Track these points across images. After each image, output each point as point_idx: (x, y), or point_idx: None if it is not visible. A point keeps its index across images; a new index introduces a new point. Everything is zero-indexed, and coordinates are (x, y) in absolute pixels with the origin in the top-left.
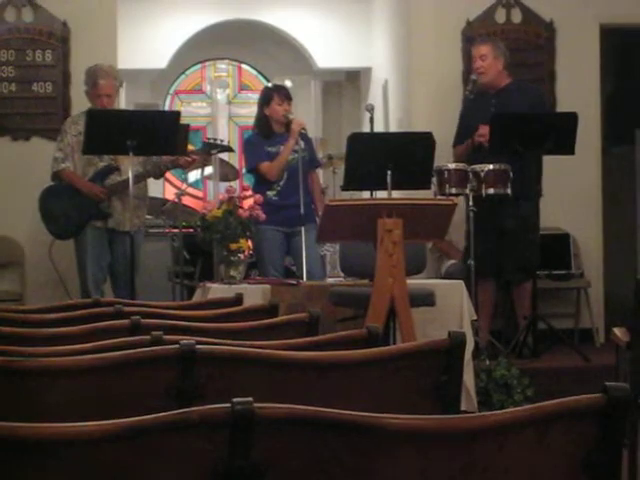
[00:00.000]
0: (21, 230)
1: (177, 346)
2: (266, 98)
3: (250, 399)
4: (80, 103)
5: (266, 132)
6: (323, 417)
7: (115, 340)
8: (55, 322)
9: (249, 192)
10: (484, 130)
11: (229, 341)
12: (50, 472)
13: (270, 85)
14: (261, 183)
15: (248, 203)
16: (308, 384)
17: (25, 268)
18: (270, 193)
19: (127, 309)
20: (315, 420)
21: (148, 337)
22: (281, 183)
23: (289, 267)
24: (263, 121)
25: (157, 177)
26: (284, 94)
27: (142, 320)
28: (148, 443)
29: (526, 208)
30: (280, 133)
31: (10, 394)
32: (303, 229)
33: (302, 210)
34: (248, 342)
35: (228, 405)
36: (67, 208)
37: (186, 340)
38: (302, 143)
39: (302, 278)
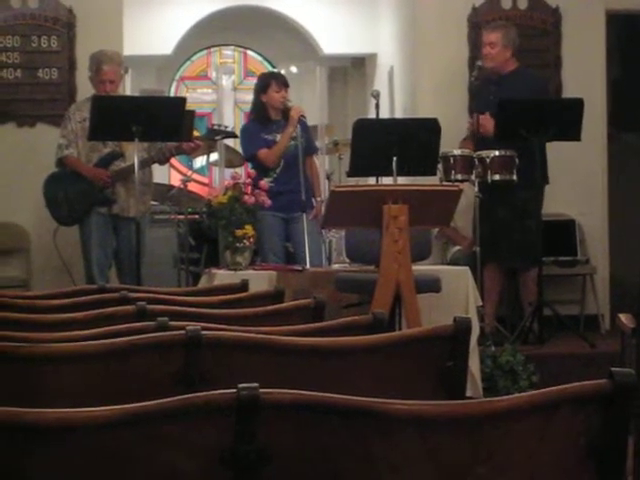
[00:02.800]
0: (26, 216)
1: (183, 332)
2: (263, 85)
3: (256, 385)
4: (85, 89)
5: (263, 119)
6: (328, 403)
7: (121, 326)
8: (61, 308)
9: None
10: (484, 121)
11: (235, 327)
12: (56, 457)
13: (267, 72)
14: (258, 170)
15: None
16: (313, 370)
17: (31, 254)
18: (267, 180)
19: (133, 295)
20: (320, 406)
21: (154, 323)
22: (277, 170)
23: (292, 253)
24: (260, 108)
25: (161, 163)
26: (281, 81)
27: (148, 306)
28: (154, 429)
29: (528, 195)
30: (277, 120)
31: (16, 380)
32: (304, 215)
33: (303, 196)
34: (254, 328)
35: (234, 391)
36: (71, 194)
37: (192, 326)
38: (299, 130)
39: (304, 264)
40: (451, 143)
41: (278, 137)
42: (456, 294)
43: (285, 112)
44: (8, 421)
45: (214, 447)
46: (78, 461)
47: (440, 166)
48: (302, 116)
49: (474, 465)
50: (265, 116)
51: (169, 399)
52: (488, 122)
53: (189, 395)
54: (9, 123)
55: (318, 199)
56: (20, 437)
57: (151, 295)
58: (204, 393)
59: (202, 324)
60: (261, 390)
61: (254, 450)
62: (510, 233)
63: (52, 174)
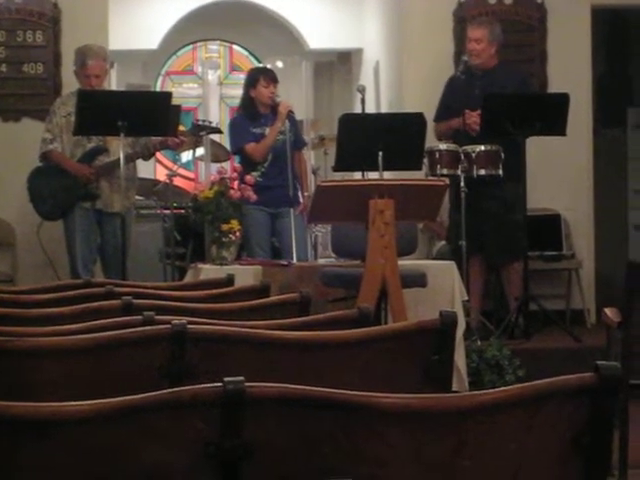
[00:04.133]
0: (12, 211)
1: (169, 326)
2: (252, 80)
3: (241, 378)
4: (71, 84)
5: (251, 114)
6: (314, 396)
7: (107, 320)
8: (46, 302)
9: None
10: (475, 117)
11: (220, 321)
12: (43, 451)
13: (256, 67)
14: (246, 164)
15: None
16: (299, 364)
17: (16, 249)
18: (255, 174)
19: (118, 290)
20: (306, 399)
21: (140, 317)
22: (265, 164)
23: (276, 247)
24: (248, 102)
25: (146, 158)
26: (270, 76)
27: (134, 301)
28: (140, 422)
29: (511, 190)
30: (265, 114)
31: (2, 374)
32: (292, 210)
33: (290, 191)
34: (239, 322)
35: (219, 384)
36: (55, 189)
37: (177, 320)
38: (288, 124)
39: (290, 258)
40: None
41: (267, 131)
42: (442, 288)
43: (274, 107)
44: None
45: (200, 441)
46: (64, 455)
47: (426, 161)
48: (290, 111)
49: (460, 458)
50: (254, 110)
51: (155, 393)
52: (477, 118)
53: (175, 389)
54: None
55: (305, 194)
56: (7, 430)
57: (137, 290)
58: (190, 387)
59: (188, 318)
60: (246, 384)
61: (240, 444)
62: (496, 227)
63: (36, 169)
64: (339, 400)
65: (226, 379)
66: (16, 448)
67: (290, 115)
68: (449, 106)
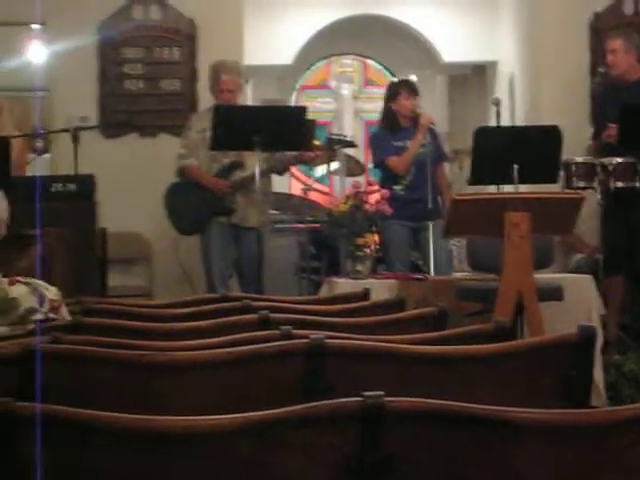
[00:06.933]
0: (149, 226)
1: (307, 340)
2: (393, 93)
3: (381, 393)
4: (207, 99)
5: (393, 127)
6: (454, 411)
7: (245, 334)
8: (184, 317)
9: (375, 187)
10: (612, 130)
11: (357, 336)
12: (181, 464)
13: (397, 80)
14: (388, 177)
15: (374, 198)
16: (436, 378)
17: (153, 264)
18: (397, 187)
19: (255, 304)
20: (445, 414)
21: (277, 331)
22: (408, 177)
23: (415, 262)
24: (390, 116)
25: (281, 173)
26: (411, 89)
27: (270, 315)
28: (279, 437)
29: None
30: (406, 127)
31: (141, 388)
32: (431, 224)
33: (430, 205)
34: (376, 337)
35: (359, 399)
36: (192, 204)
37: (315, 335)
38: (429, 137)
39: (429, 273)
40: (573, 150)
41: (408, 144)
42: (579, 302)
43: (415, 120)
44: (137, 428)
45: (339, 455)
46: (204, 468)
47: (562, 173)
48: (431, 123)
49: (602, 474)
50: (395, 123)
51: (295, 407)
52: (613, 131)
53: (314, 403)
54: (132, 133)
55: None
56: (148, 444)
57: (273, 304)
58: (329, 401)
59: (324, 332)
60: (386, 398)
61: (380, 458)
62: (636, 241)
63: (173, 184)
64: (477, 415)
65: (366, 393)
66: (156, 461)
67: (431, 127)
68: (599, 121)
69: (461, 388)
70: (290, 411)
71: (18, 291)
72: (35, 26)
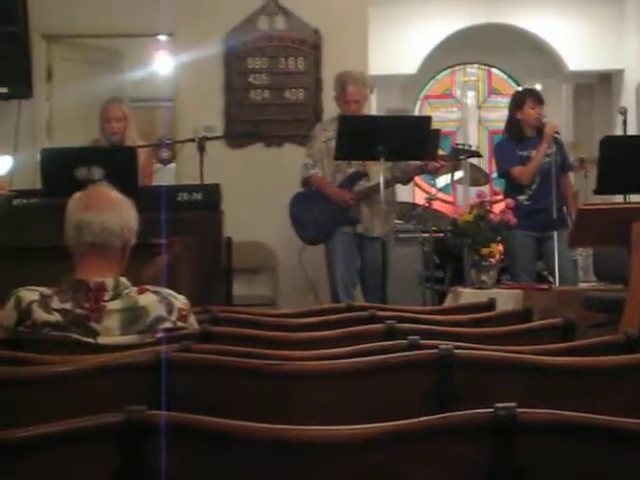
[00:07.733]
0: (274, 235)
1: (435, 351)
2: (518, 102)
3: (513, 404)
4: (331, 109)
5: (517, 136)
6: (587, 424)
7: (372, 344)
8: (310, 326)
9: (500, 197)
10: None
11: (485, 346)
12: (316, 474)
13: (522, 89)
14: (513, 187)
15: (499, 207)
16: (565, 390)
17: (278, 273)
18: (522, 197)
19: (380, 314)
20: (580, 426)
21: (405, 341)
22: (533, 187)
23: (540, 272)
24: (515, 125)
25: (405, 183)
26: (537, 98)
27: (397, 324)
28: (413, 447)
29: None
30: (531, 137)
31: (269, 397)
32: (556, 234)
33: (554, 214)
34: (504, 347)
35: (491, 410)
36: (317, 214)
37: (444, 345)
38: (554, 146)
39: (554, 283)
40: None
41: (533, 153)
42: None
43: (540, 129)
44: (273, 437)
45: (471, 466)
46: (337, 478)
47: None
48: (557, 132)
49: None
50: (520, 133)
51: (425, 418)
52: None
53: (446, 414)
54: (257, 143)
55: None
56: (281, 454)
57: (398, 313)
58: (460, 412)
59: (451, 343)
60: (518, 410)
61: (513, 470)
62: None
63: (298, 194)
64: (610, 427)
65: (497, 405)
66: (286, 470)
67: (556, 137)
68: None
69: (591, 400)
70: (425, 421)
71: (147, 300)
72: (162, 37)
